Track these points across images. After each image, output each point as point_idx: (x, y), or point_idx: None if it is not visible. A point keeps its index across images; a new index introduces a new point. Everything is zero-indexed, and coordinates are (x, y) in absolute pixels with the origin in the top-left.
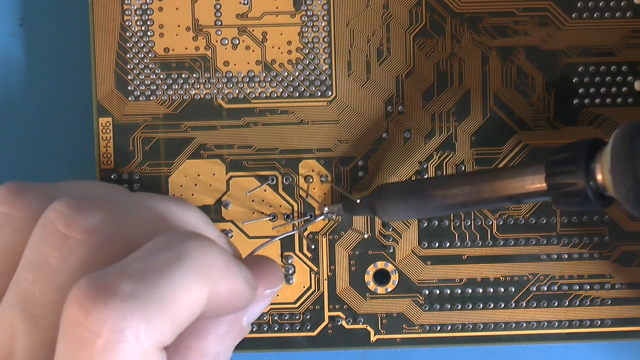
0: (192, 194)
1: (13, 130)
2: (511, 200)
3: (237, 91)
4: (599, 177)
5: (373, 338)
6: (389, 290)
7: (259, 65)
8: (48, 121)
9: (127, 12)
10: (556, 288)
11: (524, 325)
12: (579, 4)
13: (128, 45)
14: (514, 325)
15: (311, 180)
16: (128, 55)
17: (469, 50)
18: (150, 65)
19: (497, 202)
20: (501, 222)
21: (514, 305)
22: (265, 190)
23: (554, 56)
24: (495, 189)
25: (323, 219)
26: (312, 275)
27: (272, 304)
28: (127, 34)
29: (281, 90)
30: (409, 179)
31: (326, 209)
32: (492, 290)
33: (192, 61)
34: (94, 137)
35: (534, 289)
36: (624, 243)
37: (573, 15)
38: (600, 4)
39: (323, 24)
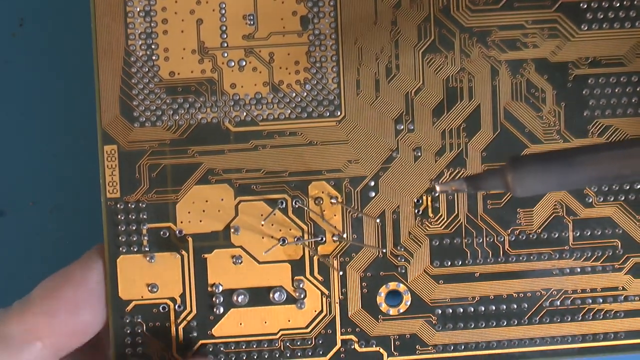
0: (201, 220)
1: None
2: None
3: (245, 114)
4: None
5: None
6: (402, 311)
7: (267, 87)
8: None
9: (131, 37)
10: (569, 302)
11: (538, 341)
12: (588, 15)
13: (132, 70)
14: (527, 342)
15: (321, 202)
16: (133, 81)
17: (478, 65)
18: (155, 90)
19: None
20: (513, 238)
21: (527, 321)
22: (274, 214)
23: (564, 68)
24: None
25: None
26: (324, 299)
27: (283, 329)
28: (132, 59)
29: (289, 111)
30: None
31: (439, 186)
32: (505, 307)
33: (199, 85)
34: (98, 164)
35: (547, 304)
36: (637, 254)
37: (582, 27)
38: (610, 14)
39: (331, 43)
